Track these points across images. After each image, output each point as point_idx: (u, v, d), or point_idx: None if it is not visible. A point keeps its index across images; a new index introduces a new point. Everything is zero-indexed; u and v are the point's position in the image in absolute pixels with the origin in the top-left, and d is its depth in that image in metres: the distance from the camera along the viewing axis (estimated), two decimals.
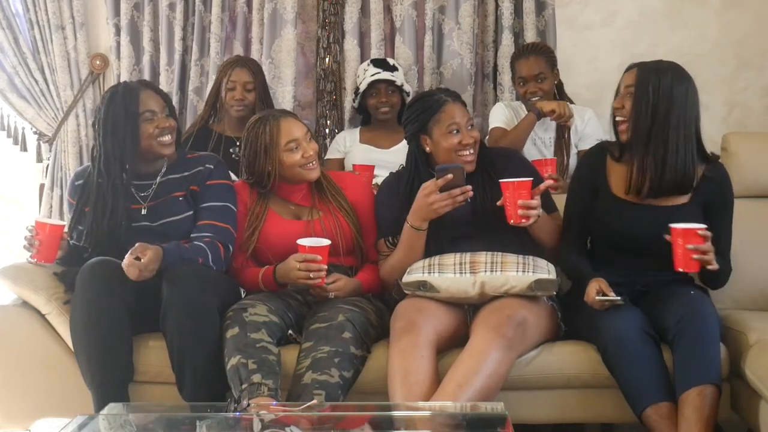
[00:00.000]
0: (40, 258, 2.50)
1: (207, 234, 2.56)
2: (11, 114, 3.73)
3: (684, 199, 2.47)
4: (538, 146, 3.22)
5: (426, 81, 3.56)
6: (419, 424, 2.08)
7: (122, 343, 2.39)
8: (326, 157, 3.41)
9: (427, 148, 2.60)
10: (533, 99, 3.16)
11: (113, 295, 2.36)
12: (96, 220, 2.57)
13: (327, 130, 3.61)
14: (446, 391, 2.18)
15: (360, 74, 3.42)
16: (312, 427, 2.03)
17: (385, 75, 3.32)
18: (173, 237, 2.55)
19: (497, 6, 3.55)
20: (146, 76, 3.63)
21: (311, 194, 2.69)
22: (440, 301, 2.43)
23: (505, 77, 3.48)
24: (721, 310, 2.47)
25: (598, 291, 2.36)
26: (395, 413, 2.15)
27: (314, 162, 2.63)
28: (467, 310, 2.47)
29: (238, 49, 3.63)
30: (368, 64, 3.40)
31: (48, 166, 3.72)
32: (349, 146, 3.41)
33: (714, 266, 2.30)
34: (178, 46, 3.63)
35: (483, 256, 2.44)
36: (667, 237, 2.31)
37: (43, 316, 2.56)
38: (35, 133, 3.74)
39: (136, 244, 2.38)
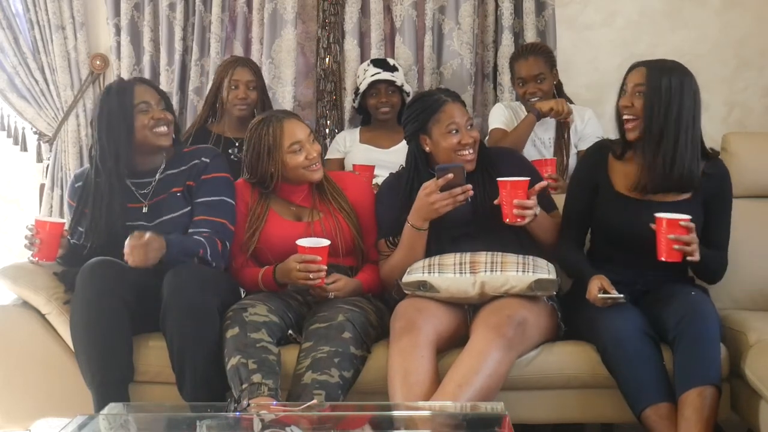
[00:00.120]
0: (41, 256, 2.50)
1: (204, 230, 2.56)
2: (11, 114, 3.73)
3: (685, 196, 2.47)
4: (538, 147, 3.22)
5: (426, 81, 3.56)
6: (419, 424, 2.08)
7: (122, 343, 2.39)
8: (326, 157, 3.40)
9: (427, 148, 2.60)
10: (532, 100, 3.16)
11: (113, 295, 2.36)
12: (94, 219, 2.57)
13: (327, 130, 3.60)
14: (446, 391, 2.18)
15: (360, 74, 3.41)
16: (312, 427, 2.03)
17: (385, 75, 3.32)
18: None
19: (497, 6, 3.55)
20: (146, 76, 3.62)
21: (312, 195, 2.69)
22: (440, 301, 2.43)
23: (505, 77, 3.48)
24: (721, 310, 2.46)
25: (600, 288, 2.36)
26: (395, 413, 2.15)
27: (317, 163, 2.63)
28: (467, 310, 2.47)
29: (238, 49, 3.63)
30: (368, 64, 3.40)
31: (48, 166, 3.71)
32: (349, 146, 3.41)
33: (695, 258, 2.30)
34: (178, 46, 3.63)
35: (483, 256, 2.44)
36: (652, 226, 2.32)
37: (43, 316, 2.57)
38: (35, 133, 3.74)
39: (134, 232, 2.38)
